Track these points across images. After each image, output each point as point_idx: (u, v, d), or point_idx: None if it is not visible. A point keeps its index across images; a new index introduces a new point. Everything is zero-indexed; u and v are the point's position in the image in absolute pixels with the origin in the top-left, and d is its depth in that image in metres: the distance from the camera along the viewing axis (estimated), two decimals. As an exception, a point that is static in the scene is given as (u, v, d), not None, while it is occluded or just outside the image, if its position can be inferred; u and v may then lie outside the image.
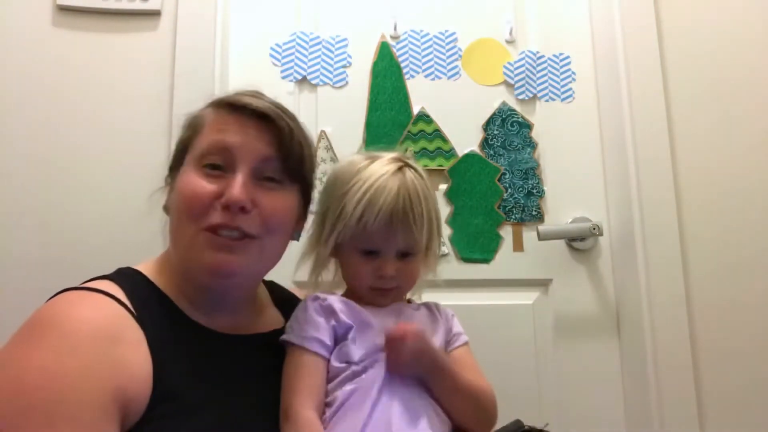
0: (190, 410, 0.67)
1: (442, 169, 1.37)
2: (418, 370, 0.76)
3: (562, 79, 1.45)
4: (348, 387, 0.74)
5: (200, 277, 0.77)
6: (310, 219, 0.89)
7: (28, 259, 1.14)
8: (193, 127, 0.82)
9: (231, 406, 0.72)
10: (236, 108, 0.80)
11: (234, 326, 0.81)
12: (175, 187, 0.80)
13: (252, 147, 0.78)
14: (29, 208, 1.16)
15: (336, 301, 0.80)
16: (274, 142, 0.79)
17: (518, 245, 1.37)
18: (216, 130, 0.79)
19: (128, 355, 0.66)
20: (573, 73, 1.46)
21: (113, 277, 0.75)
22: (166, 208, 0.84)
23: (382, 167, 0.81)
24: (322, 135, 1.35)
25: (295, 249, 0.90)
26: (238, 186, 0.75)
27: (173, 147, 0.86)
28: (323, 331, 0.77)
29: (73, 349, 0.62)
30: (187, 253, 0.76)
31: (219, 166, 0.77)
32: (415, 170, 0.84)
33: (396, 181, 0.79)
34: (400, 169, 0.81)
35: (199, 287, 0.79)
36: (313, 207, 0.90)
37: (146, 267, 0.80)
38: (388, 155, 0.84)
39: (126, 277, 0.76)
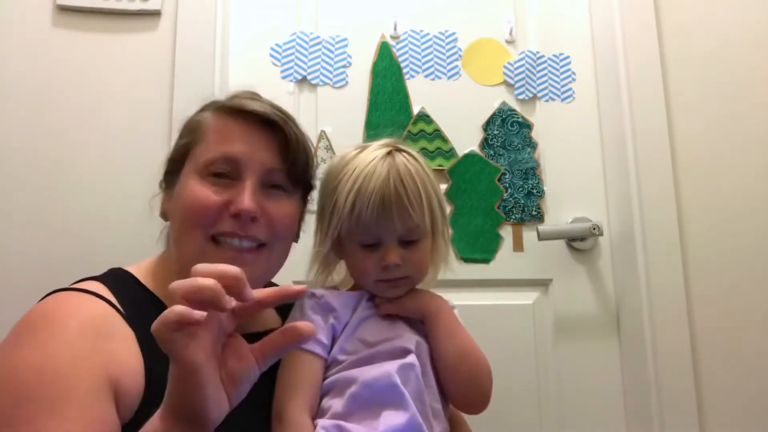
0: None
1: (442, 169, 1.37)
2: (412, 305, 0.78)
3: (562, 79, 1.45)
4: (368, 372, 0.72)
5: None
6: (310, 220, 0.89)
7: (27, 259, 1.14)
8: (192, 133, 0.81)
9: None
10: (239, 113, 0.79)
11: None
12: (176, 195, 0.79)
13: (259, 157, 0.78)
14: (29, 208, 1.16)
15: (334, 296, 0.79)
16: (280, 151, 0.79)
17: (518, 245, 1.37)
18: (220, 138, 0.78)
19: (119, 349, 0.66)
20: (573, 73, 1.46)
21: (102, 278, 0.75)
22: (164, 214, 0.83)
23: (370, 154, 0.78)
24: (322, 135, 1.35)
25: (296, 249, 0.89)
26: (248, 196, 0.75)
27: (171, 148, 0.85)
28: (320, 330, 0.75)
29: (64, 342, 0.63)
30: (193, 263, 0.75)
31: (225, 174, 0.77)
32: (408, 153, 0.80)
33: (386, 165, 0.76)
34: (389, 153, 0.78)
35: None
36: (312, 207, 0.89)
37: (137, 269, 0.80)
38: (378, 143, 0.81)
39: (115, 279, 0.76)
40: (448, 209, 0.86)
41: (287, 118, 0.81)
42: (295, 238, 0.88)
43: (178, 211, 0.78)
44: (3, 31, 1.22)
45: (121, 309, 0.70)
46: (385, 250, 0.76)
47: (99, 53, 1.24)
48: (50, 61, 1.22)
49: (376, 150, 0.79)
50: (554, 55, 1.46)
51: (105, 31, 1.25)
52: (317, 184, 0.88)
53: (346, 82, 1.38)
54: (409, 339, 0.76)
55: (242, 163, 0.77)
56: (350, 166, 0.78)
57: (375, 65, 1.40)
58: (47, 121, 1.20)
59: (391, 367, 0.71)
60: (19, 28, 1.22)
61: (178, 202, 0.78)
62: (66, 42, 1.23)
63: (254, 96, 0.83)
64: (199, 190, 0.76)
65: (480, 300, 1.32)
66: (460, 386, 0.77)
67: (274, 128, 0.79)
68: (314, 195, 0.89)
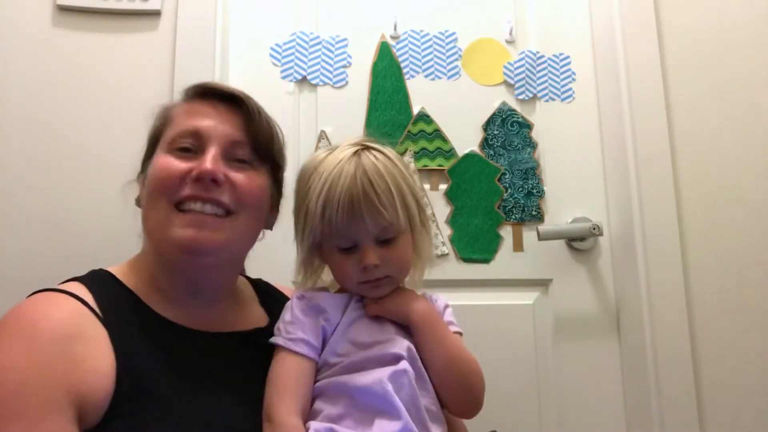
0: (159, 405, 0.68)
1: (442, 169, 1.37)
2: (398, 310, 0.77)
3: (562, 79, 1.45)
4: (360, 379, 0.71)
5: (172, 255, 0.77)
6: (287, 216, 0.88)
7: (26, 258, 1.14)
8: (163, 118, 0.84)
9: (203, 401, 0.71)
10: (203, 93, 0.83)
11: (212, 323, 0.81)
12: (147, 175, 0.82)
13: (222, 129, 0.80)
14: (29, 208, 1.16)
15: (323, 298, 0.78)
16: (243, 125, 0.82)
17: (518, 245, 1.37)
18: (186, 116, 0.81)
19: (88, 352, 0.67)
20: (573, 73, 1.46)
21: (83, 278, 0.77)
22: (138, 200, 0.85)
23: (338, 155, 0.77)
24: (322, 135, 1.35)
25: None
26: (209, 158, 0.77)
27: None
28: (310, 332, 0.75)
29: (29, 347, 0.64)
30: (159, 232, 0.77)
31: (189, 148, 0.79)
32: (377, 150, 0.79)
33: (352, 165, 0.74)
34: (356, 153, 0.77)
35: (175, 274, 0.79)
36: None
37: (118, 268, 0.82)
38: (347, 142, 0.80)
39: (96, 279, 0.77)
40: (427, 202, 0.85)
41: (249, 96, 0.84)
42: (269, 225, 0.89)
43: (148, 187, 0.80)
44: (3, 31, 1.21)
45: (96, 309, 0.71)
46: (362, 251, 0.75)
47: (99, 53, 1.24)
48: (50, 61, 1.22)
49: (344, 150, 0.78)
50: (554, 55, 1.46)
51: (105, 31, 1.25)
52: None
53: (346, 82, 1.38)
54: (401, 343, 0.75)
55: (205, 135, 0.79)
56: (319, 169, 0.77)
57: (375, 65, 1.40)
58: (47, 121, 1.20)
59: (383, 374, 0.70)
60: (19, 28, 1.22)
61: (148, 178, 0.81)
62: (66, 42, 1.23)
63: (218, 83, 0.88)
64: (164, 161, 0.78)
65: (480, 300, 1.32)
66: (449, 391, 0.76)
67: (237, 104, 0.82)
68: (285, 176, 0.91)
